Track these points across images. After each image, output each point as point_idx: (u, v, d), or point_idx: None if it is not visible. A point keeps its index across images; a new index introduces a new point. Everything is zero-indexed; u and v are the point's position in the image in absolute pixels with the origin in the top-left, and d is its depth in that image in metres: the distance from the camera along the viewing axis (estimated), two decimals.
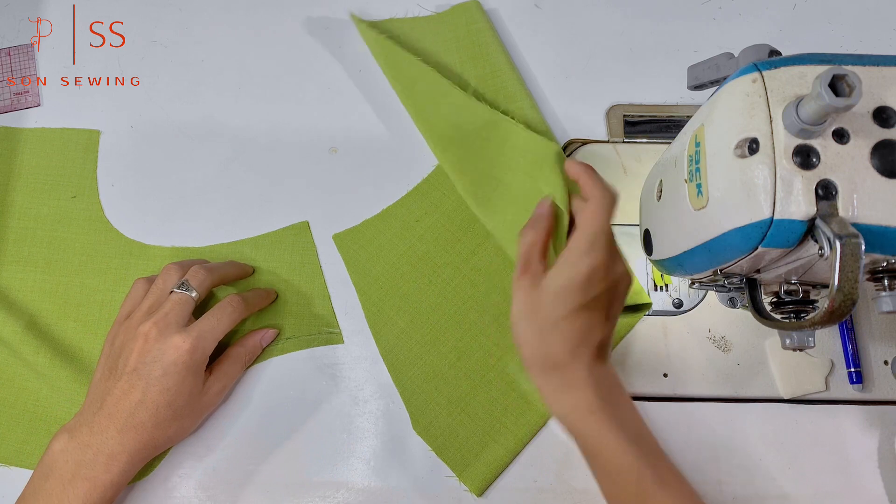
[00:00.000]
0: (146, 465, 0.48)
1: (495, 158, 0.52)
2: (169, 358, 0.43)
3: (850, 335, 0.50)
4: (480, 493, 0.47)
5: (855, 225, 0.30)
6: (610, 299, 0.40)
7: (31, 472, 0.48)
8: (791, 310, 0.39)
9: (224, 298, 0.47)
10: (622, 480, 0.39)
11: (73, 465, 0.42)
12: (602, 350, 0.41)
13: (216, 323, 0.46)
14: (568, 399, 0.40)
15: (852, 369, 0.49)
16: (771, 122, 0.32)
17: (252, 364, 0.50)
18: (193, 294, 0.46)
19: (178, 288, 0.46)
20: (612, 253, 0.40)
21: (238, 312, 0.47)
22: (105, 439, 0.42)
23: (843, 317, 0.30)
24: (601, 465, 0.40)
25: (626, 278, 0.41)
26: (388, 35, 0.57)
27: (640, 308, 0.50)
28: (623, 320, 0.50)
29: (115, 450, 0.42)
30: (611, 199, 0.41)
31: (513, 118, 0.53)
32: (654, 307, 0.51)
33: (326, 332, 0.51)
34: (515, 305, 0.41)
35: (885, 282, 0.33)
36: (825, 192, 0.31)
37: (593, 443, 0.40)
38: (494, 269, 0.52)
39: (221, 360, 0.48)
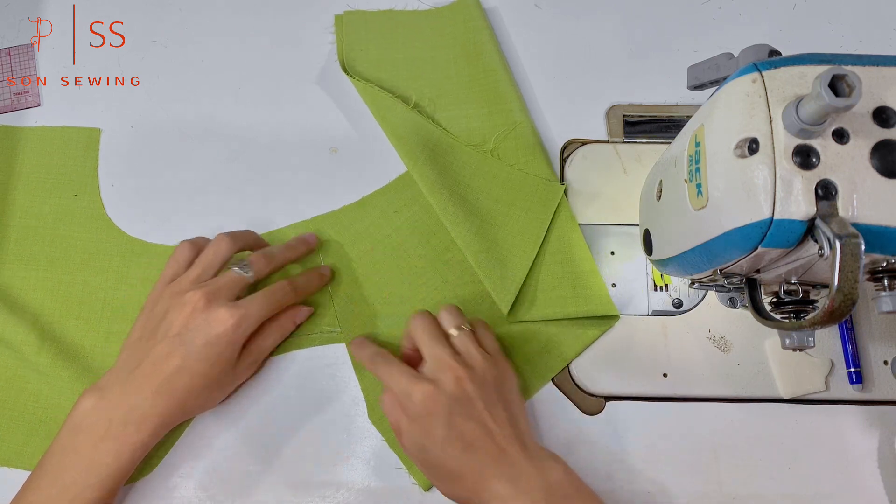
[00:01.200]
0: (146, 464, 0.48)
1: (465, 183, 0.54)
2: (214, 330, 0.44)
3: (850, 335, 0.50)
4: (428, 487, 0.47)
5: (855, 225, 0.30)
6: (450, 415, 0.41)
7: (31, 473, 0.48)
8: (791, 310, 0.39)
9: (276, 283, 0.48)
10: None
11: (104, 422, 0.42)
12: (516, 443, 0.41)
13: (263, 305, 0.46)
14: None
15: (852, 369, 0.49)
16: (771, 122, 0.32)
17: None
18: (250, 276, 0.47)
19: (238, 267, 0.46)
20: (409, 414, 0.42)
21: (288, 299, 0.48)
22: (139, 400, 0.43)
23: (843, 317, 0.30)
24: None
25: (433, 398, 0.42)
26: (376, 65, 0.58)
27: (607, 319, 0.51)
28: (588, 332, 0.50)
29: (148, 411, 0.43)
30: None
31: (501, 121, 0.55)
32: (654, 307, 0.51)
33: (327, 332, 0.51)
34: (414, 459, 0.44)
35: (885, 282, 0.33)
36: (825, 192, 0.31)
37: None
38: (467, 266, 0.52)
39: (255, 335, 0.48)
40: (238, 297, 0.46)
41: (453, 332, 0.45)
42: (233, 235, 0.49)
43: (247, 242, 0.50)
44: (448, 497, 0.43)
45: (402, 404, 0.42)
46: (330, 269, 0.52)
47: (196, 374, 0.44)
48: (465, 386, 0.42)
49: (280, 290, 0.47)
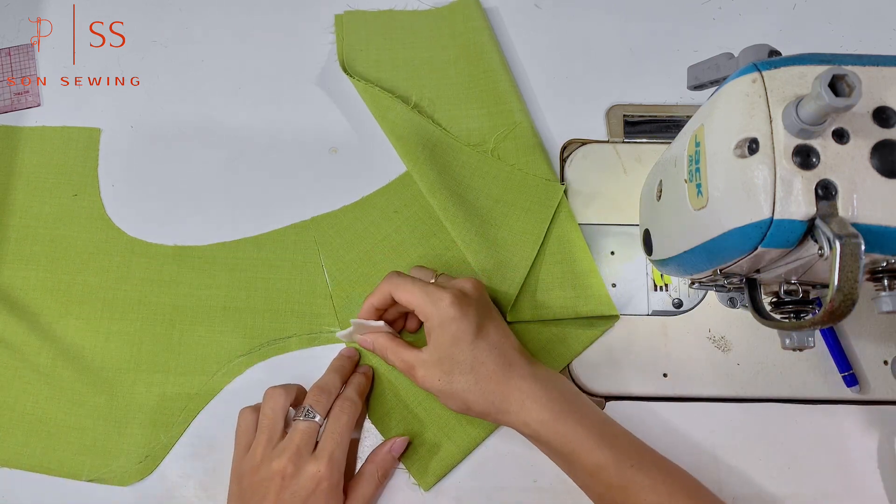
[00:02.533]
0: (146, 465, 0.48)
1: (465, 183, 0.54)
2: (309, 488, 0.42)
3: (835, 341, 0.49)
4: (429, 487, 0.47)
5: (855, 225, 0.30)
6: (483, 314, 0.45)
7: (31, 474, 0.48)
8: (791, 310, 0.39)
9: (334, 406, 0.46)
10: (604, 475, 0.41)
11: None
12: (526, 354, 0.46)
13: (338, 436, 0.44)
14: (531, 411, 0.43)
15: (845, 373, 0.49)
16: (771, 122, 0.32)
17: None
18: (318, 419, 0.45)
19: (304, 416, 0.45)
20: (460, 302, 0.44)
21: (352, 412, 0.46)
22: None
23: (843, 317, 0.29)
24: (580, 466, 0.42)
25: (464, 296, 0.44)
26: (377, 63, 0.58)
27: (607, 319, 0.51)
28: (588, 332, 0.50)
29: None
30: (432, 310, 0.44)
31: (501, 122, 0.55)
32: (654, 307, 0.51)
33: (327, 332, 0.51)
34: (434, 386, 0.44)
35: (885, 282, 0.33)
36: (825, 192, 0.31)
37: (566, 446, 0.42)
38: (467, 266, 0.52)
39: (356, 480, 0.46)
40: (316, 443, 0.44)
41: (431, 280, 0.47)
42: (283, 386, 0.47)
43: (298, 392, 0.48)
44: (470, 407, 0.44)
45: (434, 306, 0.44)
46: (369, 368, 0.50)
47: None
48: (466, 300, 0.44)
49: (341, 410, 0.45)
